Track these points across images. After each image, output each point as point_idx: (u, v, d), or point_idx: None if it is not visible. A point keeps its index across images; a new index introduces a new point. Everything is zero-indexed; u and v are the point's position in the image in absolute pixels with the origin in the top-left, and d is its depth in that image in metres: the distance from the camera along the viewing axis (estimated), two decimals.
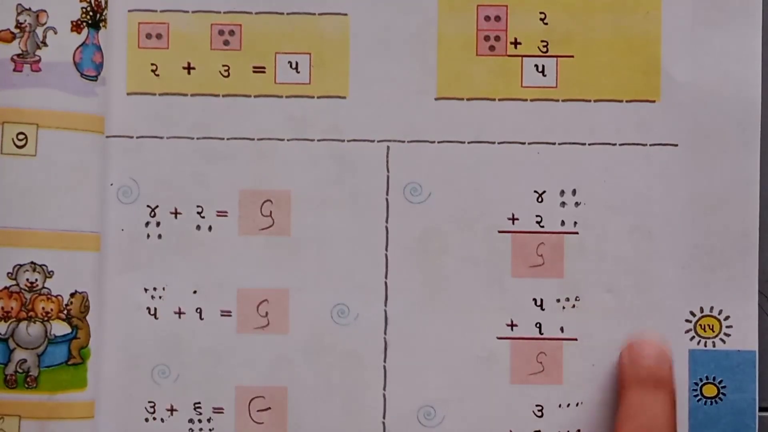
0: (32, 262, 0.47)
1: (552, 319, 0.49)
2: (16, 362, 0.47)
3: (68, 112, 0.47)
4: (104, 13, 0.49)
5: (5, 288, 0.47)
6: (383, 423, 0.49)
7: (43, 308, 0.47)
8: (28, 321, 0.47)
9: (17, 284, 0.47)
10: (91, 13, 0.48)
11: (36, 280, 0.47)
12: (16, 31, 0.47)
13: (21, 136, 0.47)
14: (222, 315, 0.49)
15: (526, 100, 0.49)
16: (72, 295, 0.47)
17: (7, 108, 0.46)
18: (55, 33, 0.47)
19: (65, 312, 0.47)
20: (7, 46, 0.47)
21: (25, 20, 0.47)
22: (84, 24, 0.48)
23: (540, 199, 0.49)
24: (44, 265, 0.47)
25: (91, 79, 0.48)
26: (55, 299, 0.47)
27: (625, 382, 0.47)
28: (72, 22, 0.47)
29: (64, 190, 0.47)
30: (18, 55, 0.47)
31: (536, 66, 0.49)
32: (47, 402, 0.47)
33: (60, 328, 0.47)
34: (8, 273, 0.47)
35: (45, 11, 0.47)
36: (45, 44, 0.47)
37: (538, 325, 0.49)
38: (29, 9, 0.47)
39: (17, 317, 0.47)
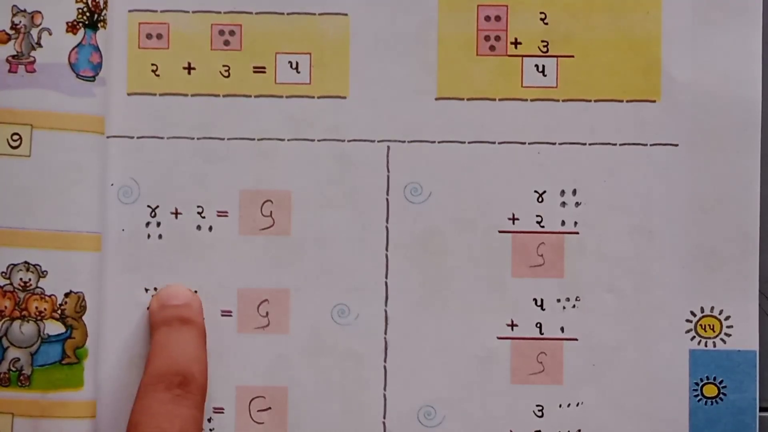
0: (26, 262, 0.40)
1: (552, 319, 0.42)
2: (9, 361, 0.40)
3: (63, 112, 0.40)
4: (103, 14, 0.41)
5: None
6: (383, 423, 0.42)
7: (36, 308, 0.40)
8: (22, 320, 0.40)
9: (11, 283, 0.40)
10: (87, 14, 0.40)
11: (29, 279, 0.40)
12: (11, 32, 0.40)
13: (15, 137, 0.40)
14: (222, 315, 0.42)
15: (526, 100, 0.42)
16: (66, 294, 0.40)
17: (1, 109, 0.40)
18: (50, 34, 0.40)
19: (59, 312, 0.40)
20: (2, 47, 0.40)
21: (20, 21, 0.40)
22: (80, 25, 0.40)
23: (540, 199, 0.43)
24: (38, 264, 0.40)
25: (88, 79, 0.40)
26: (49, 299, 0.40)
27: (154, 324, 0.41)
28: (67, 23, 0.40)
29: (59, 190, 0.40)
30: (13, 56, 0.40)
31: (536, 66, 0.42)
32: (40, 400, 0.40)
33: (54, 328, 0.40)
34: (2, 272, 0.40)
35: (40, 12, 0.40)
36: (40, 45, 0.40)
37: (538, 325, 0.42)
38: (24, 10, 0.40)
39: (10, 316, 0.40)
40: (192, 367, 0.40)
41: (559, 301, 0.43)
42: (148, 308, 0.42)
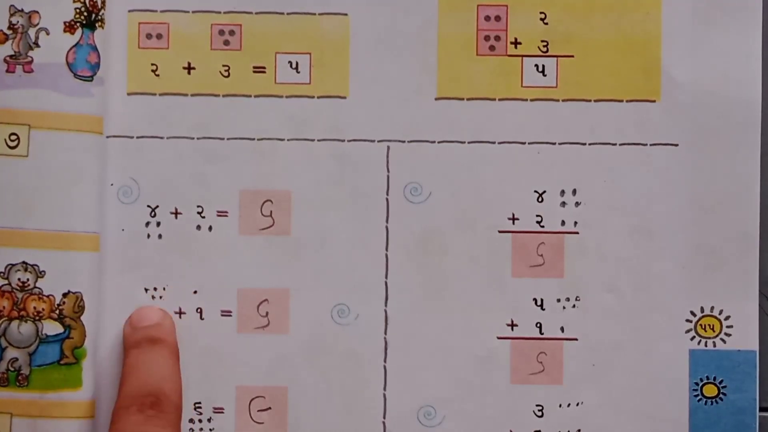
0: (24, 262, 0.39)
1: (552, 319, 0.42)
2: (7, 361, 0.40)
3: (61, 112, 0.39)
4: (101, 14, 0.40)
5: None
6: (383, 423, 0.42)
7: (34, 308, 0.40)
8: (20, 320, 0.40)
9: (9, 284, 0.40)
10: (85, 14, 0.40)
11: (27, 279, 0.39)
12: (9, 32, 0.40)
13: (13, 137, 0.39)
14: (222, 315, 0.42)
15: (526, 100, 0.42)
16: (65, 295, 0.40)
17: None
18: (48, 34, 0.39)
19: (57, 312, 0.40)
20: None
21: (18, 21, 0.39)
22: (78, 24, 0.40)
23: (540, 199, 0.42)
24: (36, 265, 0.39)
25: (86, 79, 0.40)
26: (47, 299, 0.40)
27: (126, 347, 0.41)
28: (65, 22, 0.40)
29: (57, 190, 0.40)
30: (10, 56, 0.40)
31: (536, 66, 0.42)
32: (39, 400, 0.40)
33: (52, 328, 0.40)
34: (0, 273, 0.39)
35: (37, 12, 0.39)
36: (37, 45, 0.39)
37: (538, 325, 0.42)
38: (22, 10, 0.40)
39: (9, 316, 0.40)
40: (164, 387, 0.39)
41: (559, 301, 0.42)
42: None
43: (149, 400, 0.38)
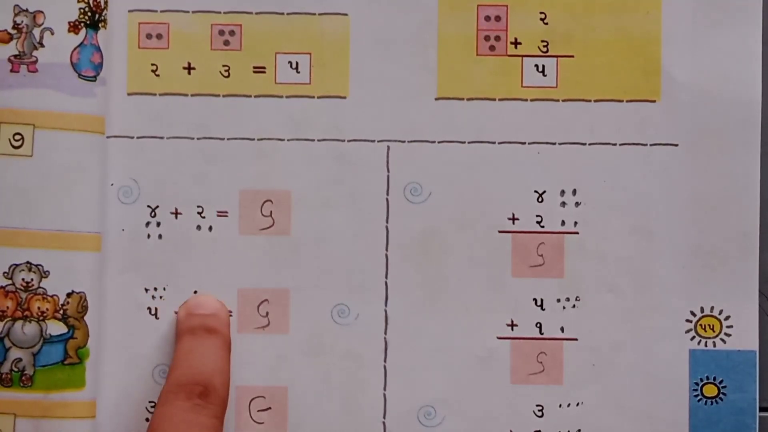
0: (28, 262, 0.40)
1: (552, 319, 0.43)
2: (11, 361, 0.41)
3: (65, 112, 0.40)
4: (104, 14, 0.41)
5: (1, 287, 0.40)
6: (383, 423, 0.43)
7: (38, 308, 0.40)
8: (24, 320, 0.41)
9: (13, 284, 0.40)
10: (89, 14, 0.41)
11: (32, 279, 0.40)
12: (14, 32, 0.41)
13: (17, 137, 0.40)
14: None
15: (526, 100, 0.43)
16: (68, 295, 0.41)
17: (3, 108, 0.40)
18: (52, 34, 0.40)
19: (61, 312, 0.41)
20: (4, 47, 0.40)
21: (22, 21, 0.40)
22: (82, 24, 0.41)
23: (540, 199, 0.43)
24: (40, 265, 0.40)
25: (90, 79, 0.41)
26: (51, 299, 0.40)
27: (179, 331, 0.42)
28: (69, 22, 0.41)
29: (61, 190, 0.40)
30: (15, 56, 0.40)
31: (536, 66, 0.43)
32: (42, 401, 0.41)
33: (56, 328, 0.41)
34: (4, 273, 0.40)
35: (42, 12, 0.40)
36: (42, 45, 0.40)
37: (538, 325, 0.43)
38: (26, 10, 0.40)
39: (13, 316, 0.41)
40: (214, 379, 0.40)
41: (559, 301, 0.43)
42: (176, 312, 0.43)
43: (198, 389, 0.40)
